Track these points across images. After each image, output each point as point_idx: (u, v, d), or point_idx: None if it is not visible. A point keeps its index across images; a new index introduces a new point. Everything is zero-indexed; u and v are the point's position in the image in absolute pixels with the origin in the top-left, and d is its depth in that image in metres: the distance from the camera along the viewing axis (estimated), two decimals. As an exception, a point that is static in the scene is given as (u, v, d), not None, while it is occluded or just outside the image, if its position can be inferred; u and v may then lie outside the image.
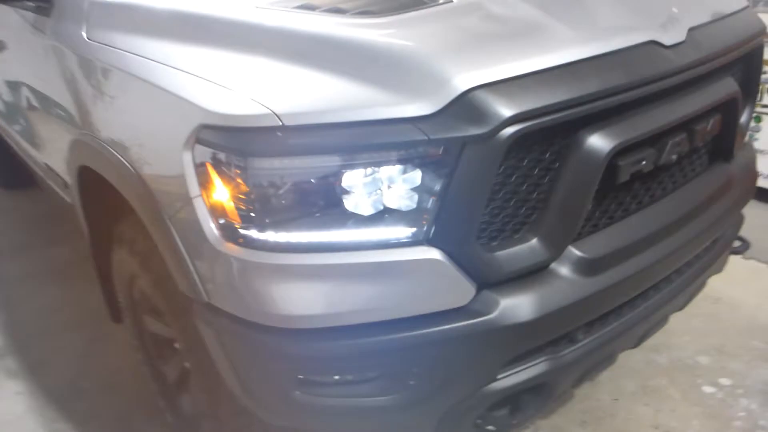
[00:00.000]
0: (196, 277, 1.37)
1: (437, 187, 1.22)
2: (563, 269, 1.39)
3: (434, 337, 1.29)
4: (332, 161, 1.20)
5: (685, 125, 1.50)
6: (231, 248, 1.28)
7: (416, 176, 1.23)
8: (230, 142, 1.23)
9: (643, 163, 1.42)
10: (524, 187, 1.31)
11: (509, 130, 1.18)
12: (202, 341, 1.46)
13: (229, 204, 1.28)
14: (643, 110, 1.41)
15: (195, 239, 1.34)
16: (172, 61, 1.43)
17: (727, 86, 1.63)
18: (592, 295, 1.39)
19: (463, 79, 1.20)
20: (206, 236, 1.30)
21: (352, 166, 1.21)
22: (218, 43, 1.44)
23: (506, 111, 1.18)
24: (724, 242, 1.87)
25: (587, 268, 1.39)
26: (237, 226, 1.27)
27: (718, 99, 1.58)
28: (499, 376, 1.38)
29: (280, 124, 1.18)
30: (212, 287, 1.36)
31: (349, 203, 1.23)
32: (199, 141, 1.27)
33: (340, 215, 1.25)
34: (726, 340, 2.36)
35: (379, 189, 1.24)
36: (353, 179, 1.22)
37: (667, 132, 1.46)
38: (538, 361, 1.42)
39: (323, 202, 1.24)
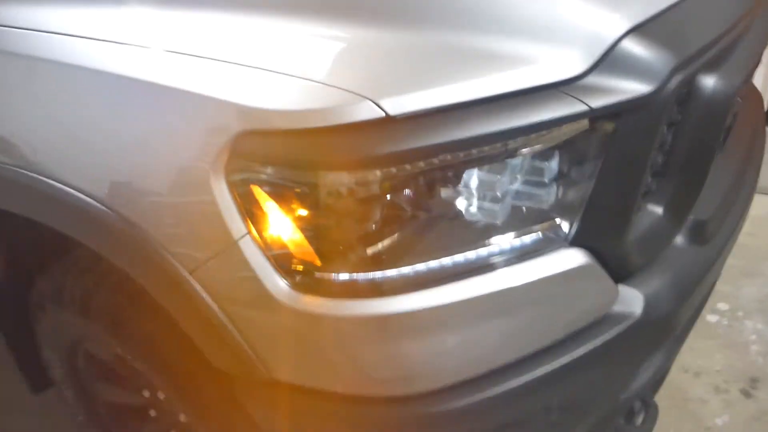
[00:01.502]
0: (247, 348, 0.95)
1: (588, 170, 0.91)
2: (680, 240, 1.17)
3: (581, 360, 1.02)
4: (458, 157, 0.84)
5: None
6: (312, 302, 0.88)
7: (557, 161, 0.91)
8: (300, 151, 0.82)
9: (739, 99, 1.23)
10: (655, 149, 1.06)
11: (672, 83, 0.90)
12: (247, 424, 1.05)
13: (300, 240, 0.88)
14: (737, 45, 1.20)
15: (244, 297, 0.92)
16: (168, 43, 0.95)
17: None
18: (711, 267, 1.20)
19: (612, 21, 0.89)
20: (267, 291, 0.88)
21: (482, 161, 0.86)
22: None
23: (671, 58, 0.89)
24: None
25: (703, 232, 1.18)
26: (317, 270, 0.88)
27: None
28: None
29: (383, 114, 0.80)
30: (280, 359, 0.95)
31: (478, 211, 0.90)
32: (240, 156, 0.84)
33: (466, 229, 0.91)
34: (703, 263, 2.35)
35: (513, 186, 0.91)
36: (483, 179, 0.88)
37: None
38: (660, 349, 1.21)
39: (441, 217, 0.89)
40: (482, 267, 0.90)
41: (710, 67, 1.07)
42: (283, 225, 0.88)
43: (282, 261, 0.89)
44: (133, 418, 1.46)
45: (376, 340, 0.89)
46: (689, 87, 1.05)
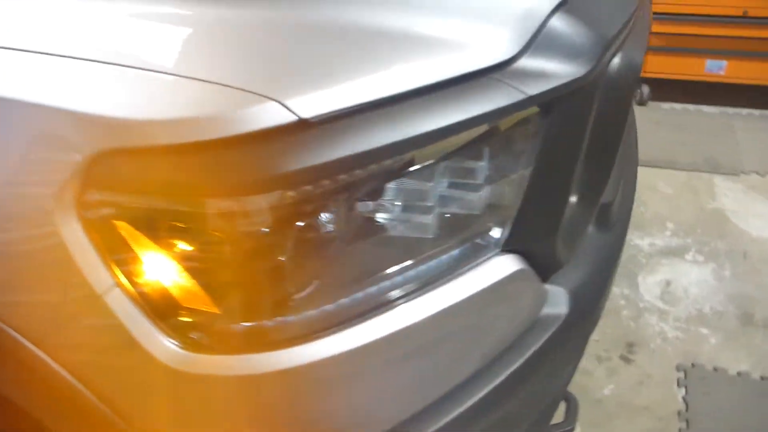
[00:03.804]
0: (127, 428, 0.73)
1: (521, 166, 0.80)
2: (591, 228, 1.11)
3: (515, 376, 0.91)
4: (386, 165, 0.68)
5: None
6: (211, 362, 0.69)
7: (493, 158, 0.79)
8: (183, 174, 0.61)
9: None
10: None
11: (604, 62, 0.81)
12: None
13: (190, 287, 0.67)
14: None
15: (119, 369, 0.70)
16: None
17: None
18: (619, 249, 1.16)
19: (538, 2, 0.77)
20: (150, 356, 0.67)
21: (413, 166, 0.71)
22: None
23: (601, 36, 0.80)
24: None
25: (609, 216, 1.14)
26: (215, 322, 0.68)
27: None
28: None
29: (295, 118, 0.61)
30: (172, 434, 0.74)
31: (407, 226, 0.75)
32: (98, 184, 0.61)
33: (393, 250, 0.75)
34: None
35: (440, 191, 0.77)
36: (413, 187, 0.73)
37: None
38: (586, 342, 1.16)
39: (370, 238, 0.73)
40: (413, 291, 0.76)
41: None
42: (164, 269, 0.67)
43: (165, 314, 0.68)
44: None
45: (297, 396, 0.72)
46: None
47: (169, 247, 0.66)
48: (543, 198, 0.82)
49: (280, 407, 0.72)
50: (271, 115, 0.61)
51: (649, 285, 2.15)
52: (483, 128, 0.74)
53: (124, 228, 0.64)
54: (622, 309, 2.06)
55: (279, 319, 0.69)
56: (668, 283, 2.14)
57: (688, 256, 2.27)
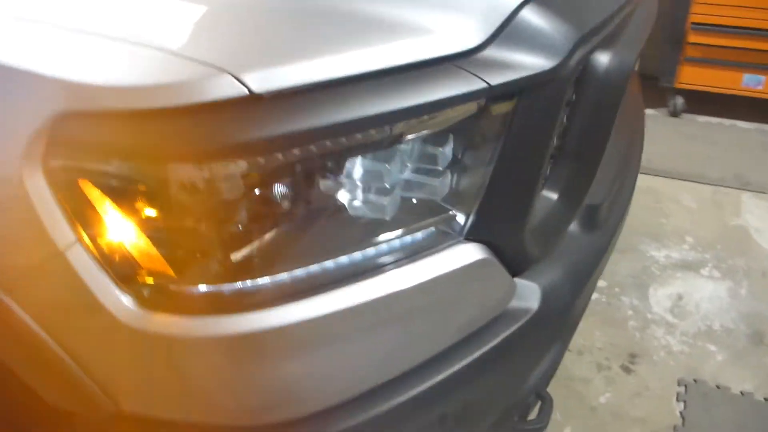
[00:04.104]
0: (86, 380, 0.77)
1: (485, 156, 0.81)
2: (574, 227, 1.11)
3: (477, 363, 0.92)
4: (338, 143, 0.71)
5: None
6: (165, 321, 0.72)
7: (452, 146, 0.80)
8: (142, 138, 0.65)
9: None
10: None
11: (576, 57, 0.81)
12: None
13: (147, 247, 0.71)
14: (627, 25, 1.15)
15: (78, 319, 0.74)
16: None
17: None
18: (608, 249, 1.15)
19: (509, -12, 0.78)
20: (106, 310, 0.71)
21: (367, 147, 0.73)
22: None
23: (573, 31, 0.80)
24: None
25: (596, 218, 1.14)
26: (170, 282, 0.72)
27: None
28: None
29: (246, 92, 0.64)
30: (127, 388, 0.78)
31: (358, 205, 0.77)
32: (63, 143, 0.65)
33: (350, 227, 0.78)
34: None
35: (401, 173, 0.79)
36: (362, 166, 0.75)
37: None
38: (558, 341, 1.16)
39: (320, 214, 0.75)
40: (369, 269, 0.78)
41: (605, 44, 1.01)
42: (124, 229, 0.70)
43: (125, 273, 0.72)
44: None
45: (246, 362, 0.74)
46: (585, 65, 0.98)
47: (128, 209, 0.69)
48: (507, 190, 0.83)
49: (229, 371, 0.75)
50: (224, 87, 0.64)
51: (660, 297, 2.11)
52: (447, 115, 0.76)
53: (87, 187, 0.68)
54: (629, 319, 2.03)
55: (230, 285, 0.72)
56: (680, 297, 2.10)
57: (704, 271, 2.22)
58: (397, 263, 0.80)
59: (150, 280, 0.72)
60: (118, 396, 0.78)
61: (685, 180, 2.76)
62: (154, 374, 0.76)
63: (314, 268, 0.75)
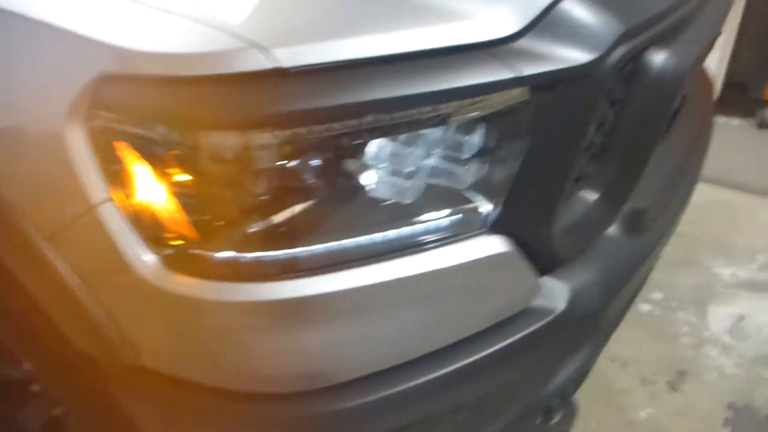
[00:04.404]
0: (112, 328, 0.82)
1: (514, 148, 0.80)
2: (614, 230, 1.07)
3: (496, 356, 0.91)
4: (360, 124, 0.71)
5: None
6: (185, 283, 0.75)
7: (481, 135, 0.80)
8: (172, 104, 0.68)
9: (687, 84, 1.13)
10: (590, 129, 0.94)
11: (618, 53, 0.79)
12: (120, 416, 0.92)
13: (174, 210, 0.74)
14: (690, 22, 1.09)
15: (106, 271, 0.78)
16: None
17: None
18: (646, 259, 1.11)
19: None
20: (131, 266, 0.75)
21: (387, 128, 0.74)
22: None
23: (617, 25, 0.78)
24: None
25: (640, 222, 1.09)
26: (193, 246, 0.75)
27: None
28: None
29: (276, 66, 0.66)
30: (148, 343, 0.82)
31: (379, 186, 0.77)
32: (103, 104, 0.69)
33: (371, 208, 0.79)
34: (641, 250, 2.30)
35: (426, 159, 0.79)
36: (387, 148, 0.76)
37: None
38: (585, 346, 1.13)
39: (337, 190, 0.76)
40: (388, 250, 0.79)
41: (661, 42, 0.96)
42: (154, 190, 0.74)
43: (151, 233, 0.75)
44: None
45: (262, 330, 0.77)
46: (637, 62, 0.95)
47: (159, 172, 0.72)
48: (535, 185, 0.82)
49: (244, 337, 0.77)
50: (254, 60, 0.66)
51: (720, 316, 2.01)
52: (479, 103, 0.75)
53: (122, 149, 0.72)
54: (683, 336, 1.95)
55: (251, 254, 0.75)
56: (741, 318, 2.00)
57: (772, 294, 2.10)
58: (418, 248, 0.80)
59: (175, 243, 0.75)
60: (141, 350, 0.82)
61: (764, 196, 2.61)
62: (173, 334, 0.80)
63: (333, 245, 0.76)
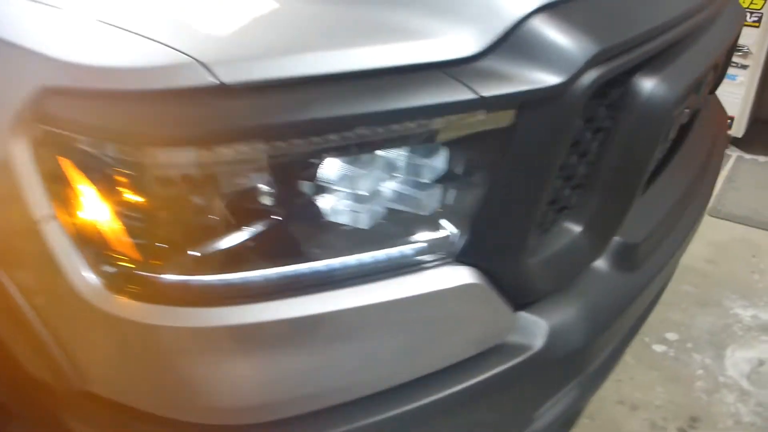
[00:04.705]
0: (58, 352, 0.79)
1: (478, 173, 0.76)
2: (602, 264, 1.01)
3: (460, 395, 0.86)
4: (309, 143, 0.68)
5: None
6: (126, 306, 0.72)
7: (443, 159, 0.76)
8: (110, 119, 0.65)
9: (686, 111, 1.08)
10: (572, 158, 0.90)
11: (589, 77, 0.74)
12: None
13: (118, 230, 0.71)
14: (686, 46, 1.04)
15: (50, 291, 0.75)
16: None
17: (738, 10, 1.32)
18: (638, 296, 1.05)
19: (518, -2, 0.73)
20: (73, 286, 0.72)
21: (339, 149, 0.70)
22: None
23: (589, 46, 0.74)
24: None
25: (632, 257, 1.03)
26: (135, 267, 0.72)
27: (738, 26, 1.27)
28: (535, 417, 1.00)
29: (215, 82, 0.63)
30: (93, 369, 0.79)
31: (333, 210, 0.74)
32: (46, 118, 0.67)
33: (318, 231, 0.75)
34: (657, 287, 2.21)
35: (383, 182, 0.75)
36: (340, 169, 0.72)
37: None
38: (571, 386, 1.06)
39: (289, 213, 0.73)
40: (343, 278, 0.75)
41: (650, 67, 0.92)
42: (96, 208, 0.71)
43: (94, 253, 0.73)
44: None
45: (203, 358, 0.73)
46: (623, 88, 0.90)
47: (101, 189, 0.70)
48: (502, 213, 0.77)
49: (185, 364, 0.73)
50: (194, 75, 0.63)
51: (738, 360, 1.90)
52: (439, 125, 0.71)
53: (65, 164, 0.70)
54: (697, 379, 1.84)
55: (194, 277, 0.71)
56: (761, 363, 1.89)
57: (796, 339, 1.98)
58: (377, 276, 0.76)
59: (118, 264, 0.73)
60: (87, 375, 0.79)
61: (791, 235, 2.49)
62: (116, 359, 0.77)
63: (283, 270, 0.73)
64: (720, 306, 2.12)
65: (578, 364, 0.98)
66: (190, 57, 0.64)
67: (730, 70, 2.86)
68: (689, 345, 1.97)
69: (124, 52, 0.66)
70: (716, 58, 1.12)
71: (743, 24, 1.31)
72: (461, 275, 0.79)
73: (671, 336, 2.00)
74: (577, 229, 0.94)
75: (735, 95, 2.88)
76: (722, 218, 2.57)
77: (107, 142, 0.67)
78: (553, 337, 0.91)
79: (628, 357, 1.92)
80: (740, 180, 2.87)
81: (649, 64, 0.92)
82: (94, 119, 0.66)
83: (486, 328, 0.85)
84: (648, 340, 2.00)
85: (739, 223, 2.54)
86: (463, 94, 0.68)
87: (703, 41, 1.08)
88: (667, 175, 1.21)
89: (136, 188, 0.69)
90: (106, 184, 0.70)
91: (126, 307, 0.72)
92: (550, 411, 1.01)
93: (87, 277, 0.72)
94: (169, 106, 0.64)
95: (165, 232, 0.71)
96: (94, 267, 0.73)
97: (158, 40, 0.66)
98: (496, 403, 0.90)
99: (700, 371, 1.87)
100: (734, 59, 2.79)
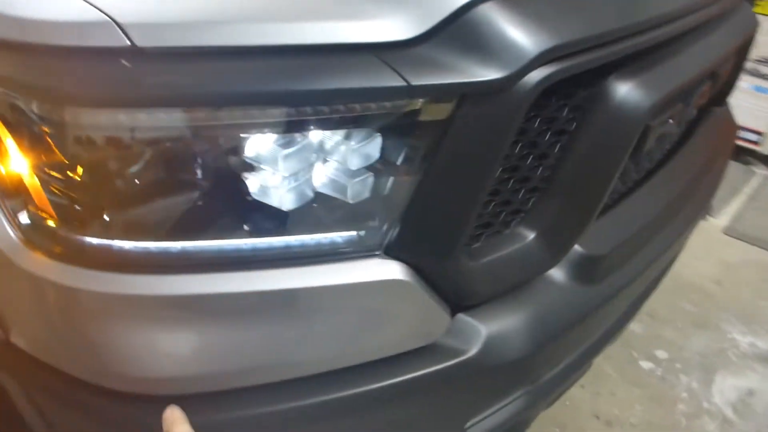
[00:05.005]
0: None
1: (412, 164, 0.72)
2: (559, 275, 0.96)
3: (383, 395, 0.83)
4: (228, 115, 0.66)
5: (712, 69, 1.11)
6: (39, 262, 0.71)
7: (376, 146, 0.72)
8: (24, 72, 0.64)
9: (670, 122, 1.01)
10: (528, 160, 0.85)
11: (538, 74, 0.70)
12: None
13: (35, 184, 0.70)
14: (673, 52, 0.98)
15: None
16: None
17: (747, 18, 1.24)
18: (596, 310, 1.00)
19: (465, -18, 0.69)
20: (-7, 239, 0.72)
21: (266, 127, 0.68)
22: None
23: (537, 42, 0.69)
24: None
25: (592, 270, 0.98)
26: (52, 225, 0.71)
27: (746, 35, 1.19)
28: (468, 425, 0.97)
29: (128, 44, 0.61)
30: (13, 321, 0.79)
31: (257, 188, 0.71)
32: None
33: (240, 209, 0.72)
34: (656, 302, 2.13)
35: (311, 165, 0.73)
36: (268, 148, 0.69)
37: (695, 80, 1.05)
38: (514, 397, 1.03)
39: (211, 187, 0.71)
40: (258, 259, 0.72)
41: (628, 71, 0.86)
42: (19, 163, 0.70)
43: (16, 208, 0.72)
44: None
45: (106, 323, 0.72)
46: (592, 89, 0.85)
47: (21, 144, 0.69)
48: (434, 210, 0.74)
49: (88, 326, 0.72)
50: (108, 35, 0.61)
51: (726, 387, 1.83)
52: (368, 110, 0.68)
53: (-8, 116, 0.69)
54: (680, 402, 1.78)
55: (106, 241, 0.70)
56: (750, 393, 1.81)
57: (793, 372, 1.90)
58: (293, 261, 0.73)
59: (36, 221, 0.72)
60: (7, 327, 0.79)
61: (808, 263, 2.38)
62: (30, 314, 0.76)
63: (195, 244, 0.71)
64: (718, 329, 2.04)
65: (520, 375, 0.95)
66: (108, 16, 0.62)
67: (759, 82, 2.73)
68: (678, 365, 1.90)
69: (43, 4, 0.64)
70: (713, 67, 1.05)
71: (753, 32, 1.23)
72: (387, 270, 0.76)
73: (661, 354, 1.94)
74: (530, 234, 0.90)
75: (763, 109, 2.74)
76: (738, 238, 2.47)
77: (21, 95, 0.66)
78: (491, 344, 0.87)
79: (611, 370, 1.87)
80: (764, 200, 2.75)
81: (625, 67, 0.86)
82: (10, 71, 0.65)
83: (414, 327, 0.82)
84: (636, 355, 1.93)
85: (756, 245, 2.44)
86: (392, 81, 0.64)
87: (697, 47, 1.01)
88: (651, 186, 1.15)
89: (53, 145, 0.67)
90: (26, 138, 0.69)
91: (41, 264, 0.72)
92: (489, 420, 0.98)
93: (8, 231, 0.72)
94: (83, 65, 0.62)
95: (79, 193, 0.69)
96: (13, 221, 0.72)
97: (83, -3, 0.64)
98: (425, 405, 0.88)
99: (685, 394, 1.81)
100: (764, 71, 2.66)
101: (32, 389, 0.83)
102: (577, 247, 0.97)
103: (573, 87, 0.84)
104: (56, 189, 0.70)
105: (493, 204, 0.85)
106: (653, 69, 0.90)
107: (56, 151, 0.67)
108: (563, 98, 0.84)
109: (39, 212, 0.72)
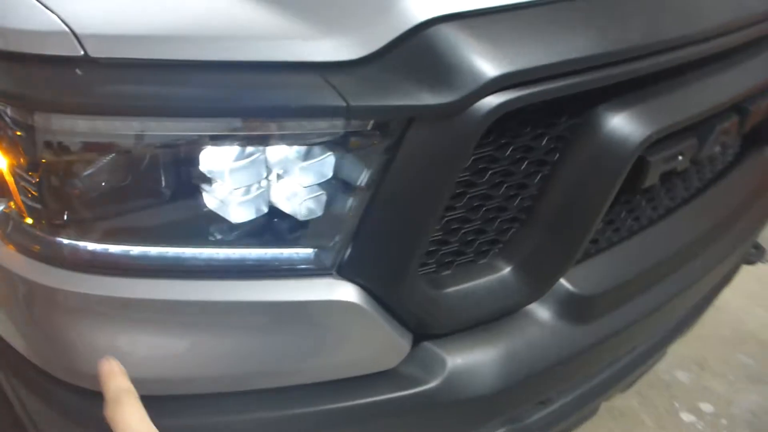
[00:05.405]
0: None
1: (360, 184, 0.71)
2: (543, 311, 0.92)
3: (338, 417, 0.82)
4: (180, 126, 0.68)
5: (739, 103, 1.02)
6: (7, 254, 0.76)
7: (329, 165, 0.72)
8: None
9: (680, 158, 0.94)
10: (501, 189, 0.82)
11: (492, 101, 0.67)
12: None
13: (9, 183, 0.75)
14: (687, 82, 0.91)
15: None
16: None
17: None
18: (584, 351, 0.94)
19: (418, 4, 0.67)
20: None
21: (216, 139, 0.69)
22: None
23: (492, 67, 0.66)
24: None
25: (581, 309, 0.93)
26: (23, 221, 0.75)
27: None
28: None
29: (81, 53, 0.64)
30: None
31: (209, 199, 0.72)
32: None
33: (192, 218, 0.74)
34: (709, 351, 1.98)
35: (264, 180, 0.73)
36: (218, 160, 0.70)
37: (716, 114, 0.97)
38: (493, 434, 0.98)
39: (161, 194, 0.72)
40: (206, 270, 0.73)
41: (622, 101, 0.82)
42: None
43: (-2, 205, 0.77)
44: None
45: (62, 319, 0.75)
46: (579, 119, 0.81)
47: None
48: (382, 235, 0.72)
49: (46, 320, 0.76)
50: (64, 44, 0.64)
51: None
52: (318, 128, 0.68)
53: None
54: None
55: (59, 240, 0.73)
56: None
57: None
58: (240, 274, 0.74)
59: (10, 212, 0.76)
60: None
61: None
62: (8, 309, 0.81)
63: (142, 250, 0.73)
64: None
65: (490, 411, 0.91)
66: (67, 26, 0.65)
67: None
68: (723, 421, 1.76)
69: (10, 12, 0.68)
70: (736, 100, 0.97)
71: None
72: (338, 291, 0.75)
73: (706, 407, 1.80)
74: (507, 266, 0.86)
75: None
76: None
77: (-1, 98, 0.70)
78: (456, 376, 0.84)
79: (648, 419, 1.75)
80: None
81: (618, 97, 0.82)
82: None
83: (369, 351, 0.80)
84: (677, 406, 1.80)
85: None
86: (332, 100, 0.64)
87: (718, 77, 0.94)
88: (669, 225, 1.08)
89: (15, 146, 0.71)
90: (9, 139, 0.73)
91: (6, 255, 0.76)
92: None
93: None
94: (43, 72, 0.66)
95: (41, 194, 0.73)
96: (-4, 216, 0.77)
97: (49, 5, 0.67)
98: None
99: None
100: None
101: (12, 377, 0.88)
102: (565, 284, 0.92)
103: (554, 116, 0.80)
104: (25, 188, 0.74)
105: (461, 233, 0.82)
106: (652, 100, 0.84)
107: (22, 152, 0.71)
108: (542, 127, 0.80)
109: (16, 210, 0.76)
